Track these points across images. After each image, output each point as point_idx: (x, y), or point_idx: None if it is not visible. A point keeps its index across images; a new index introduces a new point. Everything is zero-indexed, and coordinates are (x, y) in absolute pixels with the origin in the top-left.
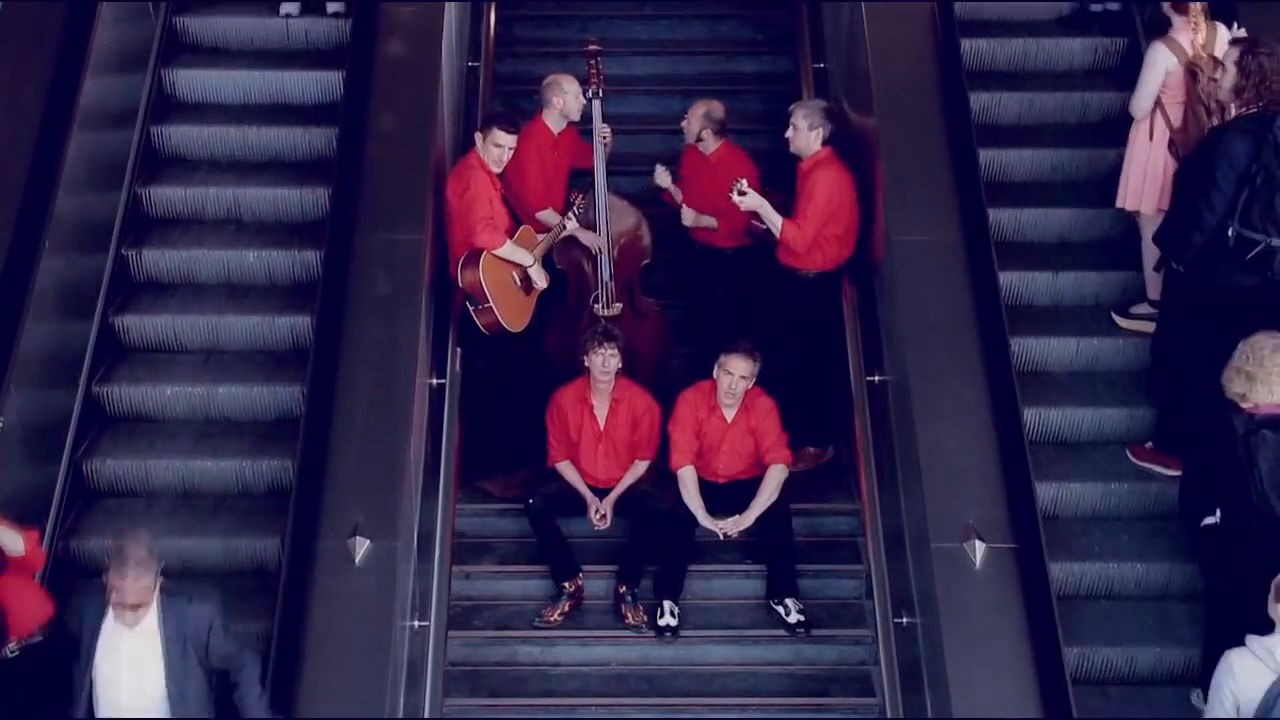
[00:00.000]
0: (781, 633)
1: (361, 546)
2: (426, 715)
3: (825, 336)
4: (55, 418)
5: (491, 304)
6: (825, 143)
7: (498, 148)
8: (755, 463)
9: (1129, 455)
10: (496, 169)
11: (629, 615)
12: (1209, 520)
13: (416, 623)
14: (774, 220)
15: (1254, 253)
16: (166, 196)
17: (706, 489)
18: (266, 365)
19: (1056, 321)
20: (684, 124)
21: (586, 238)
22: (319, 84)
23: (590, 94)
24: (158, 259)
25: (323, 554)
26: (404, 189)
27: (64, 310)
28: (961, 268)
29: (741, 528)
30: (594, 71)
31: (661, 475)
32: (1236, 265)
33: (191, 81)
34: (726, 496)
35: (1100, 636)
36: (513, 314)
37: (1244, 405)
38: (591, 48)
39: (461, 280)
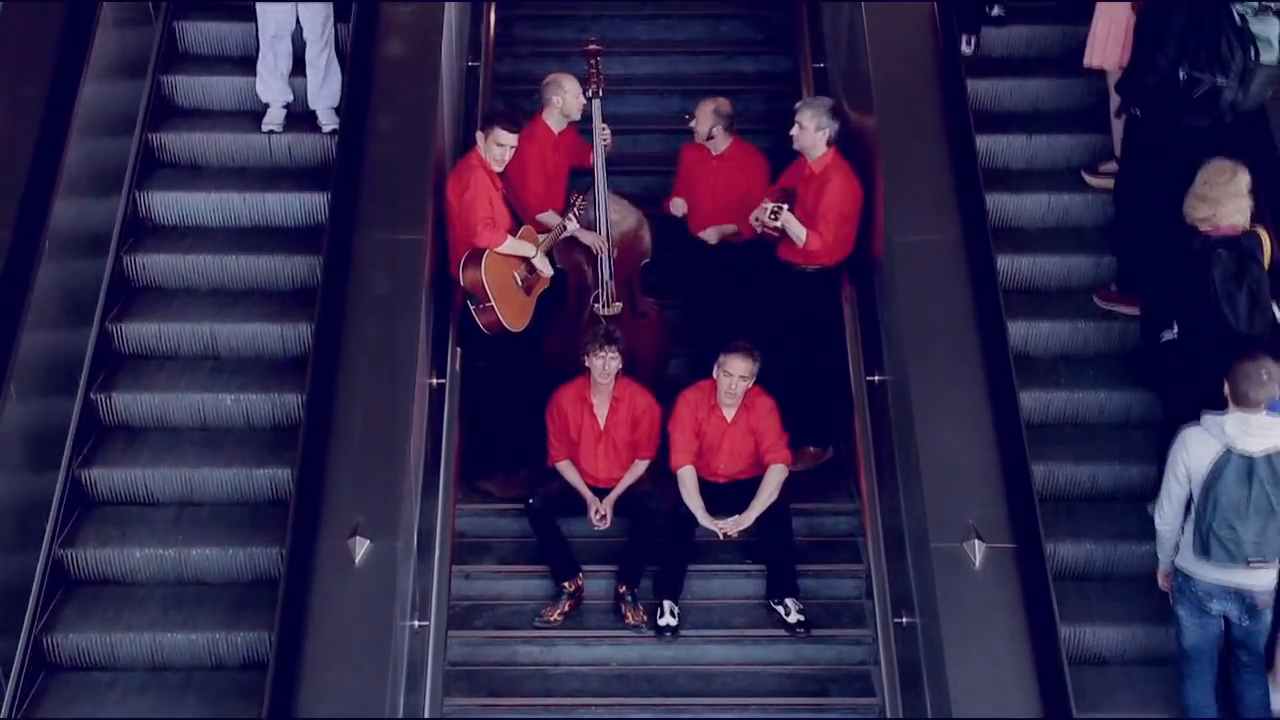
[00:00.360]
0: (781, 633)
1: (361, 546)
2: (426, 715)
3: (825, 333)
4: (16, 584)
5: (493, 303)
6: (830, 142)
7: (500, 147)
8: (755, 463)
9: (1095, 300)
10: (498, 168)
11: (629, 615)
12: (1167, 336)
13: (416, 623)
14: (800, 233)
15: (1200, 91)
16: (139, 332)
17: (706, 489)
18: (244, 523)
19: (1030, 180)
20: (692, 124)
21: (587, 238)
22: (303, 206)
23: (590, 94)
24: (129, 403)
25: (323, 554)
26: (404, 189)
27: (27, 462)
28: (961, 267)
29: (741, 528)
30: (594, 71)
31: (661, 475)
32: (1188, 107)
33: (168, 203)
34: (726, 496)
35: (1066, 456)
36: (513, 314)
37: (1201, 227)
38: (591, 47)
39: (463, 279)
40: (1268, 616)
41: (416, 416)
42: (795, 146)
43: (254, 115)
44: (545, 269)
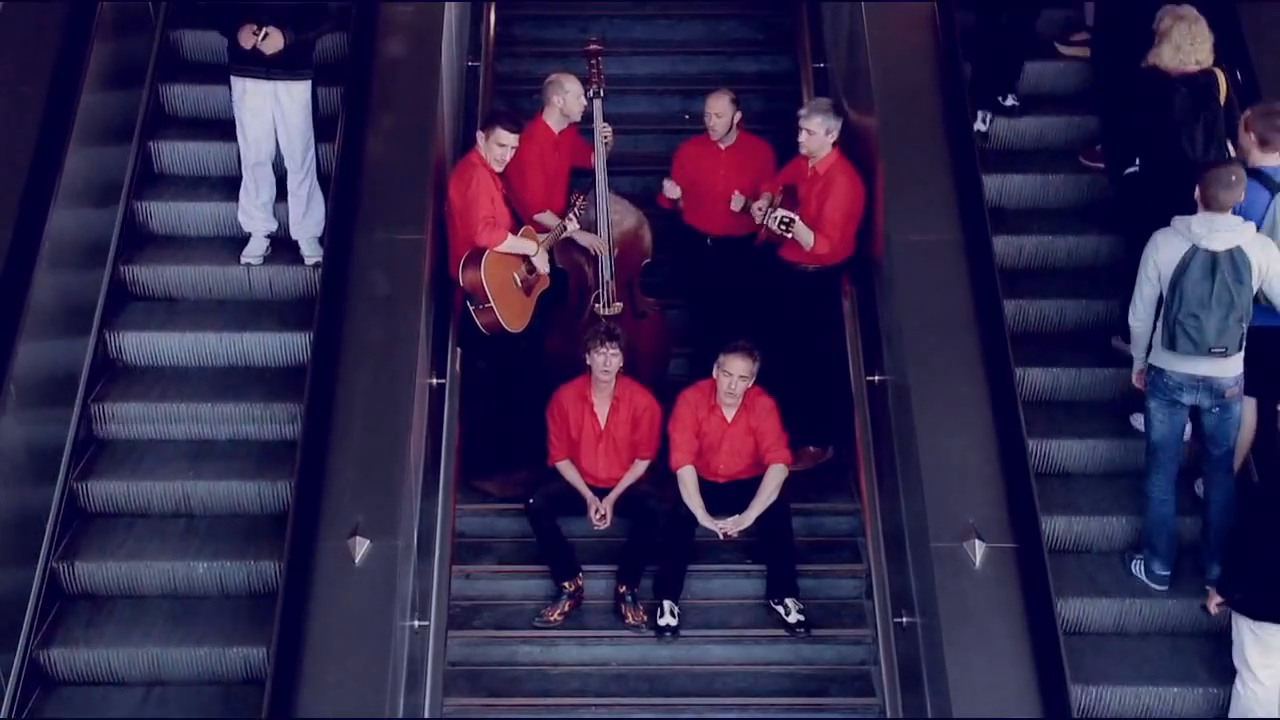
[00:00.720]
0: (781, 633)
1: (361, 546)
2: (426, 715)
3: (824, 332)
4: None
5: (492, 304)
6: (835, 141)
7: (501, 147)
8: (755, 462)
9: (1081, 159)
10: (498, 168)
11: (629, 615)
12: (1130, 170)
13: (416, 623)
14: (808, 239)
15: None
16: (107, 490)
17: (706, 489)
18: (215, 706)
19: None
20: (713, 120)
21: (587, 239)
22: (284, 346)
23: (591, 93)
24: (94, 571)
25: (323, 554)
26: (404, 189)
27: None
28: (961, 268)
29: (741, 527)
30: (595, 71)
31: (661, 475)
32: None
33: (140, 343)
34: (726, 496)
35: (1036, 294)
36: (513, 314)
37: (1163, 67)
38: (592, 47)
39: (462, 279)
40: (1236, 408)
41: (416, 416)
42: (804, 152)
43: (233, 242)
44: (543, 266)
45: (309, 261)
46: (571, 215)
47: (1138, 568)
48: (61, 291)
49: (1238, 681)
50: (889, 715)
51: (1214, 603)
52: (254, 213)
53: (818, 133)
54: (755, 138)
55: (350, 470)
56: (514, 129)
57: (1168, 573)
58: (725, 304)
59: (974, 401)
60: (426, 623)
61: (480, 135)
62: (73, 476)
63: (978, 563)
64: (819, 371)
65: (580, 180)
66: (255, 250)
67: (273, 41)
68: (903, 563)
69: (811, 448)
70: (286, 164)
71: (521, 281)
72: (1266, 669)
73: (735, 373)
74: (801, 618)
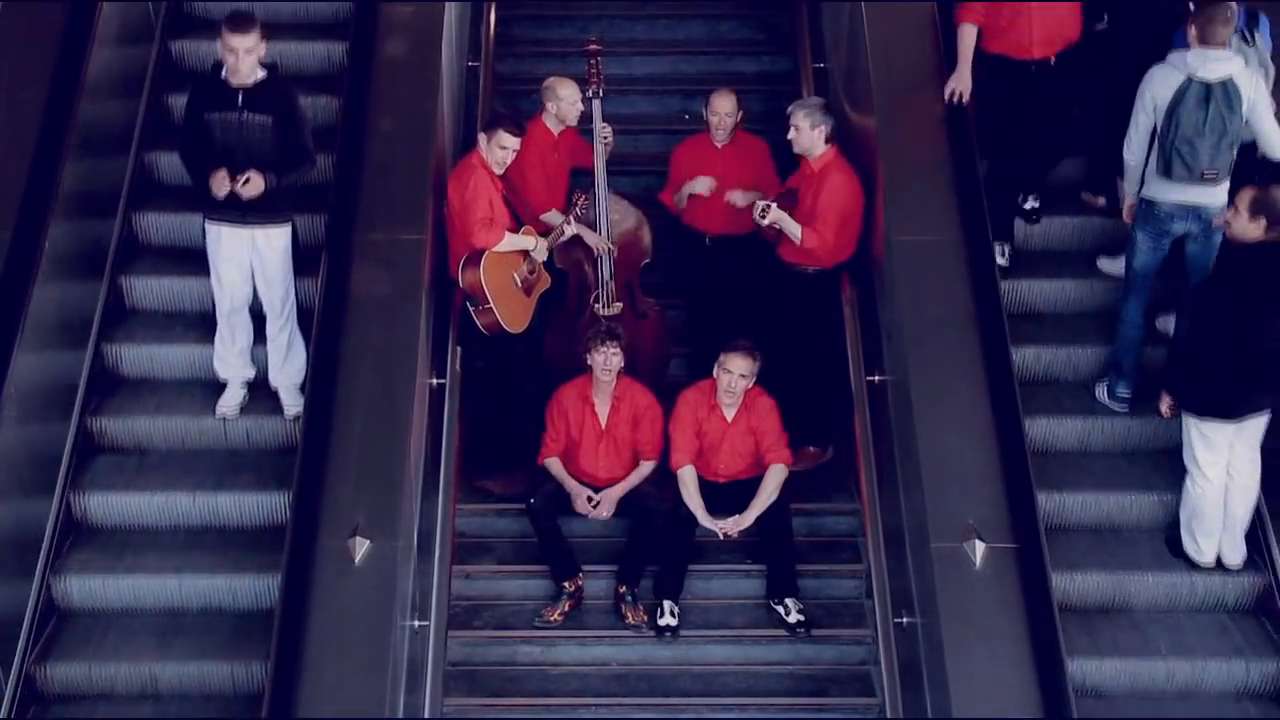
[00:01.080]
0: (781, 633)
1: (361, 546)
2: (426, 715)
3: (825, 334)
4: None
5: (491, 304)
6: (828, 139)
7: (503, 150)
8: (755, 462)
9: None
10: (499, 170)
11: (629, 615)
12: (1099, 26)
13: (416, 623)
14: (794, 230)
15: None
16: (66, 673)
17: (706, 489)
18: None
19: None
20: (719, 118)
21: (589, 238)
22: (261, 507)
23: (590, 93)
24: None
25: (323, 554)
26: (404, 189)
27: None
28: (961, 267)
29: (741, 527)
30: (594, 71)
31: (662, 475)
32: None
33: (107, 505)
34: (726, 496)
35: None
36: (513, 315)
37: None
38: (592, 47)
39: (462, 280)
40: (1217, 237)
41: (416, 416)
42: (796, 150)
43: (209, 386)
44: (541, 255)
45: (289, 413)
46: (572, 215)
47: (1101, 393)
48: (25, 445)
49: (1187, 480)
50: (889, 715)
51: (1165, 404)
52: (231, 360)
53: (804, 127)
54: (751, 135)
55: (350, 470)
56: (517, 132)
57: (1129, 394)
58: (725, 304)
59: (974, 401)
60: (426, 623)
61: (482, 137)
62: (30, 658)
63: (978, 563)
64: (819, 371)
65: (580, 180)
66: (231, 401)
67: (254, 185)
68: (903, 563)
69: (811, 448)
70: (265, 310)
71: (521, 282)
72: (1212, 465)
73: (735, 371)
74: (801, 618)
